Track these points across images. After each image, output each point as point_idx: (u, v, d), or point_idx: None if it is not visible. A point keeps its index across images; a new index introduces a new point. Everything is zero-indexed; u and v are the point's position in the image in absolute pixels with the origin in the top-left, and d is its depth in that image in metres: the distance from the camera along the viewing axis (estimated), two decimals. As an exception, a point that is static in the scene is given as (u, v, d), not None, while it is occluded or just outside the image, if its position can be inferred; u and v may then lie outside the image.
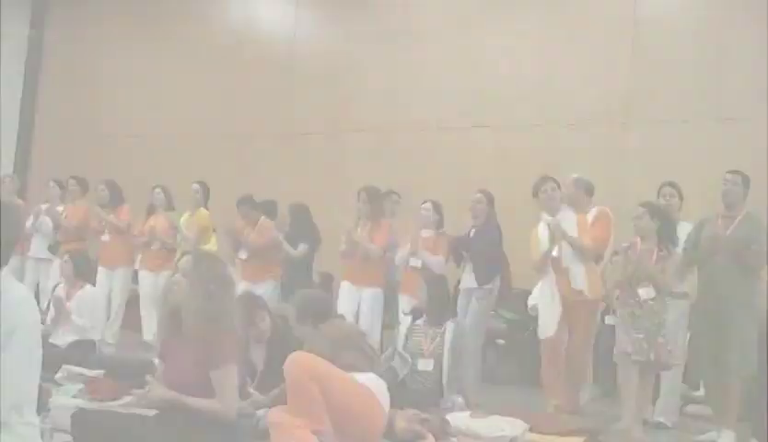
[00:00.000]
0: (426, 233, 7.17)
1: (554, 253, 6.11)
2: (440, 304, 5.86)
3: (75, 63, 12.29)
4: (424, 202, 7.28)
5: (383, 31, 9.99)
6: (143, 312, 8.64)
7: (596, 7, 8.86)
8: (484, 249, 6.88)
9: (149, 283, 8.56)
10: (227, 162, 10.58)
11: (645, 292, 5.60)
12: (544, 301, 6.19)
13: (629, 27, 8.51)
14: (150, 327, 8.51)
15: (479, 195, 7.10)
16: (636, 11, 8.51)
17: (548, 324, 6.16)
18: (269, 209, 8.30)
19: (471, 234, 7.01)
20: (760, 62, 7.86)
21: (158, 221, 8.61)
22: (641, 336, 5.56)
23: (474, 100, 9.29)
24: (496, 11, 9.37)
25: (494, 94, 9.18)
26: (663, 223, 5.73)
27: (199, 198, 8.53)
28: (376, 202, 7.42)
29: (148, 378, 3.73)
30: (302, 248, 7.76)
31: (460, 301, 6.87)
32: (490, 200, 7.09)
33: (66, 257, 6.92)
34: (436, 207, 7.24)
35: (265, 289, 7.55)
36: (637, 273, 5.65)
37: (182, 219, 8.52)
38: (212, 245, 8.39)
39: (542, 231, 6.28)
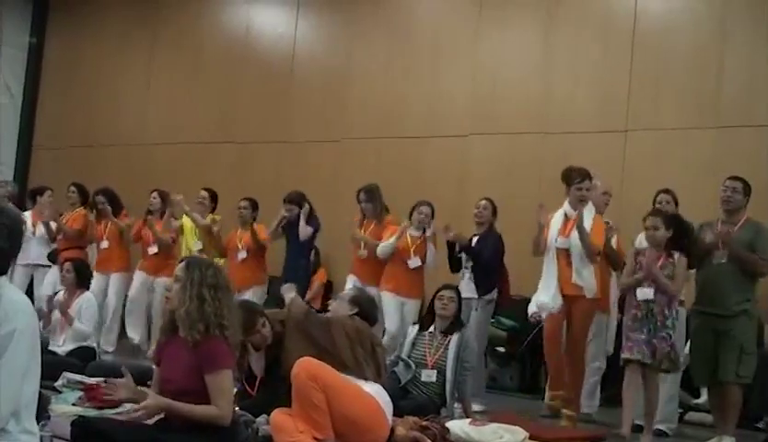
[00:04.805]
0: (415, 233, 7.21)
1: (559, 244, 6.11)
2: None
3: (74, 70, 12.29)
4: (422, 204, 7.28)
5: (383, 38, 10.01)
6: (127, 316, 8.55)
7: (596, 17, 8.86)
8: (488, 259, 6.84)
9: (139, 285, 8.48)
10: (226, 170, 10.56)
11: (642, 293, 5.57)
12: (546, 288, 6.17)
13: (628, 36, 8.50)
14: (136, 328, 8.48)
15: (484, 202, 7.07)
16: (636, 21, 8.50)
17: (548, 305, 6.14)
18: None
19: (474, 242, 6.96)
20: (759, 68, 7.88)
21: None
22: (642, 337, 5.52)
23: (473, 107, 9.28)
24: (496, 21, 9.37)
25: (493, 101, 9.17)
26: (677, 231, 5.68)
27: (206, 205, 8.41)
28: (377, 200, 7.49)
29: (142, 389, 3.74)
30: (308, 230, 7.69)
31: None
32: (494, 208, 7.08)
33: (69, 265, 6.90)
34: (433, 211, 7.28)
35: (251, 296, 7.48)
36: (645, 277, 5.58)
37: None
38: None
39: (557, 220, 6.26)
